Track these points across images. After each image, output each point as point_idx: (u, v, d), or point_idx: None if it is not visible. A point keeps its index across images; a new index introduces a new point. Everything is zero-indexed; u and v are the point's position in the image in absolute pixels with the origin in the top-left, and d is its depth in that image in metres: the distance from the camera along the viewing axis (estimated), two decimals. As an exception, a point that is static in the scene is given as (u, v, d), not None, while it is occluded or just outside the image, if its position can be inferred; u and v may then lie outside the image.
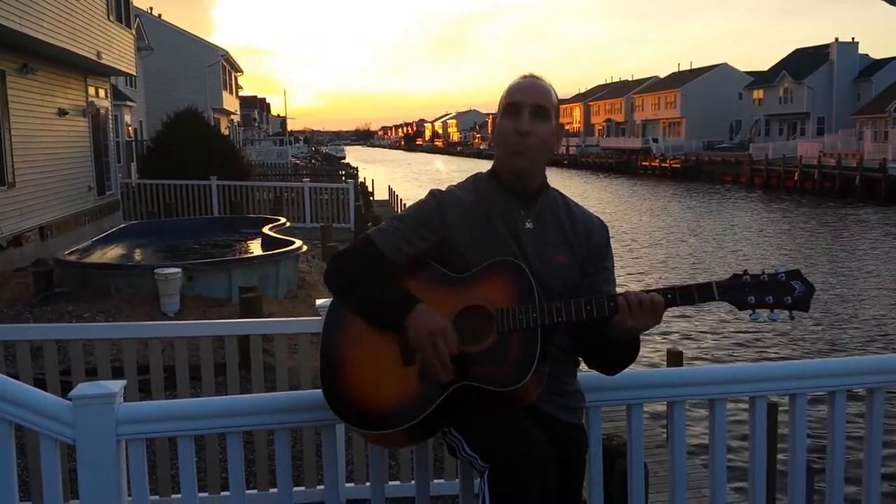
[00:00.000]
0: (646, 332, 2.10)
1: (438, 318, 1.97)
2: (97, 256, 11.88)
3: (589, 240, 2.20)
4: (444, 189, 2.20)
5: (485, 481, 1.91)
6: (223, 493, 3.76)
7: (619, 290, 2.16)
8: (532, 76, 2.17)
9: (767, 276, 2.00)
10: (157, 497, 3.77)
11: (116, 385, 2.09)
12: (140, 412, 2.12)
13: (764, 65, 78.18)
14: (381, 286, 2.06)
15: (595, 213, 2.30)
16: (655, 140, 72.03)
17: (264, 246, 12.55)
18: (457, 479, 2.46)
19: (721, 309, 14.60)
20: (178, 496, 3.07)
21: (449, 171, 70.03)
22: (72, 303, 8.96)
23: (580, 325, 2.04)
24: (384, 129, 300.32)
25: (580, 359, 2.24)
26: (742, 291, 1.99)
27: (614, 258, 2.31)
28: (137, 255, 13.07)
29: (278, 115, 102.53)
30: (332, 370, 2.07)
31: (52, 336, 3.86)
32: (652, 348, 12.19)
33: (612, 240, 2.30)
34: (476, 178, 2.23)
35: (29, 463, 3.58)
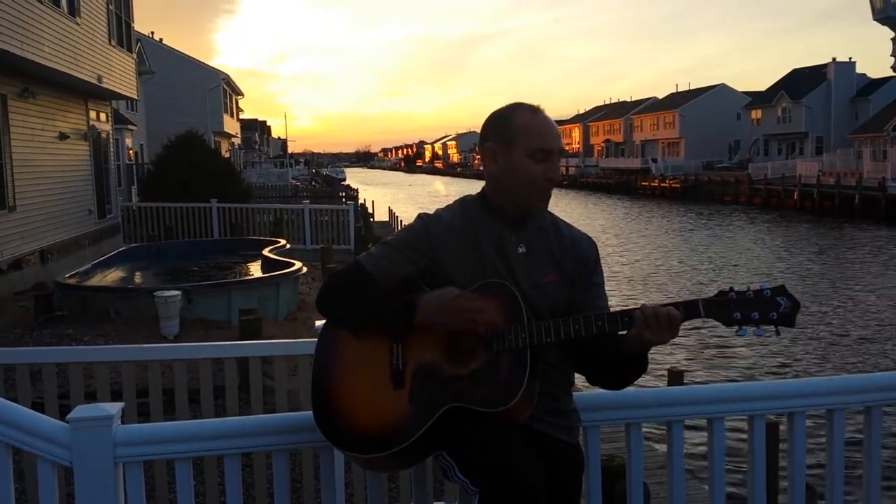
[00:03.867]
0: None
1: (437, 294, 2.02)
2: (97, 280, 11.91)
3: (577, 257, 2.19)
4: (431, 212, 2.21)
5: None
6: (222, 517, 3.74)
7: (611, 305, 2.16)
8: (544, 112, 2.15)
9: (753, 293, 1.98)
10: (155, 521, 3.74)
11: (114, 407, 2.08)
12: (138, 434, 2.11)
13: (762, 85, 78.52)
14: (379, 300, 2.06)
15: (585, 232, 2.29)
16: (655, 160, 72.23)
17: (264, 268, 12.57)
18: (456, 502, 2.44)
19: (715, 326, 14.55)
20: (177, 520, 3.06)
21: (449, 193, 70.19)
22: (72, 326, 8.97)
23: (591, 339, 2.02)
24: (384, 150, 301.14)
25: (582, 376, 2.23)
26: (728, 308, 1.97)
27: (605, 275, 2.29)
28: (137, 278, 13.09)
29: (279, 138, 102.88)
30: (322, 394, 2.07)
31: (52, 359, 3.84)
32: (652, 367, 12.15)
33: (607, 258, 2.29)
34: (464, 201, 2.22)
35: (27, 487, 3.57)
